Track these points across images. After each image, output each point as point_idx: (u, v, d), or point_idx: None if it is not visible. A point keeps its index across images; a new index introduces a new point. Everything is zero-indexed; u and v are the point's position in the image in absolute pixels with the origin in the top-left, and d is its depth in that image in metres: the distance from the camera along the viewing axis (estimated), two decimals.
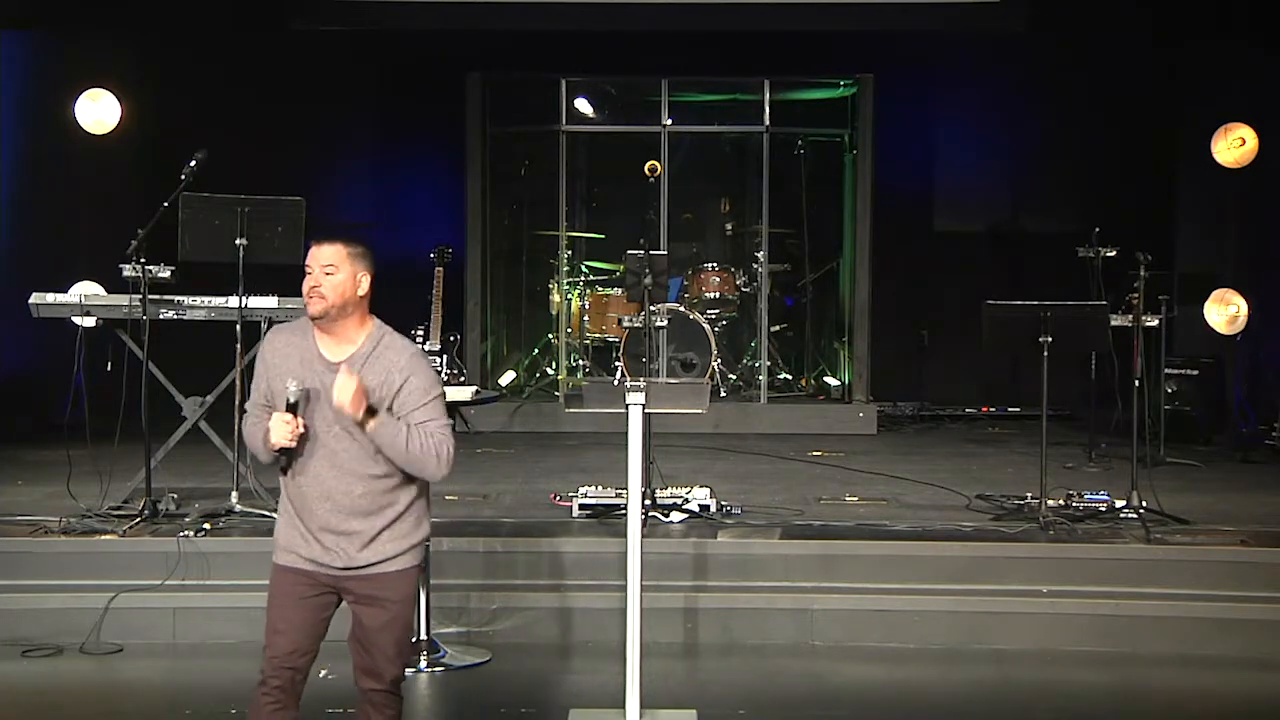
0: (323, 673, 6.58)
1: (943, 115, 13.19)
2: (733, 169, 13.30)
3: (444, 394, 4.83)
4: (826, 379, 12.91)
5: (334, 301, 4.70)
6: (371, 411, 4.62)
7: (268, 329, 8.11)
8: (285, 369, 4.73)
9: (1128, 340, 8.98)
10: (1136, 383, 8.61)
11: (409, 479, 4.77)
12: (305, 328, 4.81)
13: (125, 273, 7.94)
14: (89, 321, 8.37)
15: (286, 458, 4.71)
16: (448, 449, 4.73)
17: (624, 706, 5.90)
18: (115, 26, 11.61)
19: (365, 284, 4.75)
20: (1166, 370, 11.10)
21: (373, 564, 4.75)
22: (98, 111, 11.28)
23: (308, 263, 4.75)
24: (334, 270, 4.70)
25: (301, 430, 4.66)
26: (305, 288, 4.73)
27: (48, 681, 6.81)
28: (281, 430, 4.64)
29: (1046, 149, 13.07)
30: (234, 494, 7.95)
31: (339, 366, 4.69)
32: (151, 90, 11.78)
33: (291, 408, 4.66)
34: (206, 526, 7.67)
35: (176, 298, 8.20)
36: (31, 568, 7.56)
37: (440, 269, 8.57)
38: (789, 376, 12.71)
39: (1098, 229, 9.84)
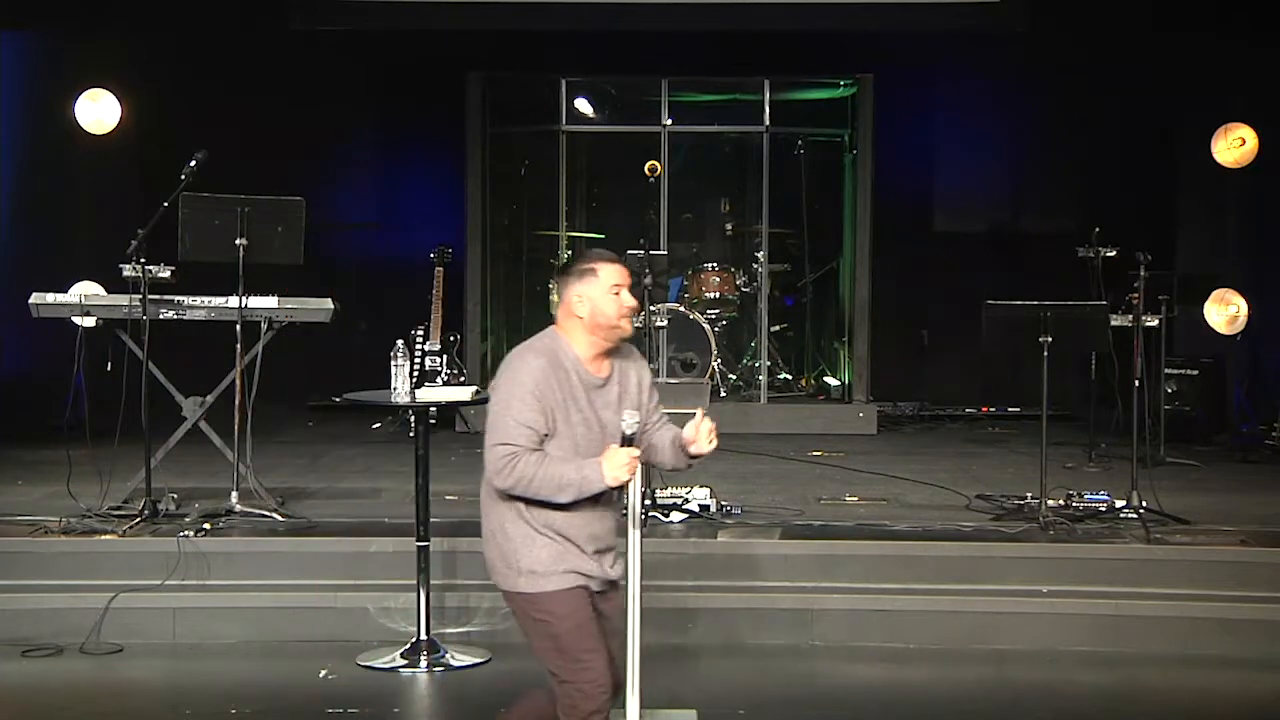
0: (323, 673, 6.60)
1: (943, 115, 13.17)
2: (733, 169, 13.28)
3: None
4: (826, 379, 12.91)
5: None
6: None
7: (268, 329, 8.16)
8: (567, 396, 4.55)
9: (1128, 340, 8.97)
10: (1136, 383, 8.60)
11: None
12: (552, 349, 4.61)
13: (125, 273, 7.93)
14: (89, 321, 8.36)
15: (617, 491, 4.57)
16: None
17: (624, 706, 5.89)
18: (115, 26, 11.60)
19: None
20: (1166, 370, 11.09)
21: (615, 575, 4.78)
22: (98, 111, 11.26)
23: (617, 282, 4.56)
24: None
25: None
26: (622, 308, 4.56)
27: (48, 681, 6.80)
28: (632, 465, 4.50)
29: (1046, 149, 13.07)
30: (234, 494, 7.94)
31: (604, 380, 4.62)
32: (151, 90, 11.77)
33: (629, 439, 4.50)
34: (206, 526, 7.66)
35: (176, 298, 8.20)
36: (31, 568, 7.55)
37: (440, 269, 8.58)
38: (789, 376, 12.70)
39: (1098, 229, 9.84)
